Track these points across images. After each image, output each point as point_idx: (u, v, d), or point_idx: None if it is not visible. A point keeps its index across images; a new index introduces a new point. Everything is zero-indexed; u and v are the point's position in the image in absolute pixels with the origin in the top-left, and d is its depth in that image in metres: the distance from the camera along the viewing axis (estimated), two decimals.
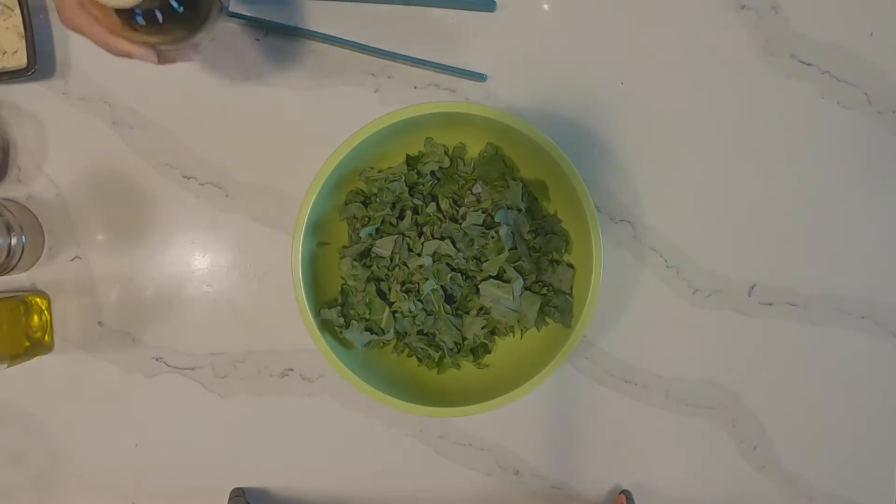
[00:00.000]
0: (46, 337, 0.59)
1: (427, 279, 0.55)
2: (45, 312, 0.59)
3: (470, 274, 0.57)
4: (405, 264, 0.56)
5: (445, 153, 0.57)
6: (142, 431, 0.61)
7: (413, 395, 0.54)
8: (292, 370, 0.61)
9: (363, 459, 0.62)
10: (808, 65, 0.61)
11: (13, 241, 0.55)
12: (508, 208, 0.56)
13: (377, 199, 0.56)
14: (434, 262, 0.56)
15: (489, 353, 0.59)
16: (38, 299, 0.59)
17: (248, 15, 0.58)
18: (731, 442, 0.64)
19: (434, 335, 0.57)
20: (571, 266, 0.57)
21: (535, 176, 0.58)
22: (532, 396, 0.54)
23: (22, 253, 0.57)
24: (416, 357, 0.58)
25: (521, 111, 0.60)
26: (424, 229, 0.57)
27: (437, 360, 0.58)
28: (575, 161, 0.52)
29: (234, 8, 0.58)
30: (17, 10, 0.56)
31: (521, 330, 0.59)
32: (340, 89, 0.60)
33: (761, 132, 0.62)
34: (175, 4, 0.43)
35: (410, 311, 0.56)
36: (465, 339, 0.58)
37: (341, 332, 0.54)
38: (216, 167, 0.60)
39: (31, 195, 0.60)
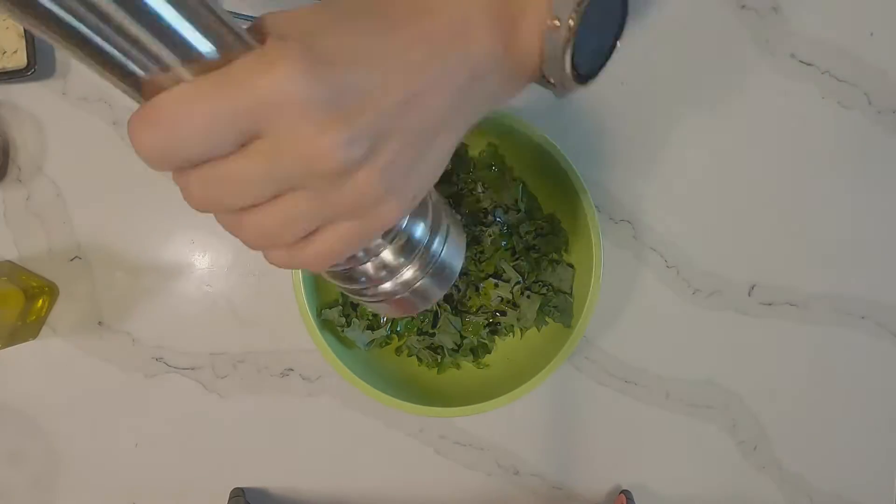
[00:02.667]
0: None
1: None
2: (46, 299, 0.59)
3: (469, 273, 0.57)
4: None
5: None
6: (142, 431, 0.61)
7: (413, 395, 0.54)
8: (292, 370, 0.61)
9: (363, 459, 0.62)
10: (808, 65, 0.61)
11: None
12: (507, 208, 0.56)
13: None
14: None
15: (489, 352, 0.59)
16: (47, 288, 0.59)
17: (249, 15, 0.58)
18: (731, 442, 0.64)
19: (433, 335, 0.57)
20: (571, 266, 0.57)
21: (535, 176, 0.58)
22: (532, 396, 0.54)
23: None
24: (417, 357, 0.58)
25: (521, 111, 0.60)
26: None
27: (437, 360, 0.58)
28: (575, 161, 0.52)
29: (233, 8, 0.58)
30: None
31: (521, 330, 0.59)
32: None
33: (761, 132, 0.62)
34: None
35: None
36: (464, 338, 0.58)
37: (343, 330, 0.54)
38: None
39: (31, 195, 0.60)
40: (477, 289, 0.57)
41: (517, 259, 0.57)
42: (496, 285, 0.55)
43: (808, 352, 0.63)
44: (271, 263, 0.26)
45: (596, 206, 0.53)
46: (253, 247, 0.25)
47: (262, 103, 0.21)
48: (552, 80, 0.29)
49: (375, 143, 0.23)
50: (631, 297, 0.62)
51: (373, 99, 0.23)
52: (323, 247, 0.25)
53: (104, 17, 0.19)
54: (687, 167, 0.62)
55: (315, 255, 0.25)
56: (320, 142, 0.21)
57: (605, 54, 0.30)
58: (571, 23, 0.26)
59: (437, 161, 0.27)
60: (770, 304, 0.63)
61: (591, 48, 0.28)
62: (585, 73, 0.29)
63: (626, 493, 0.62)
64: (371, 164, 0.23)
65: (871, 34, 0.61)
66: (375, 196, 0.24)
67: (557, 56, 0.27)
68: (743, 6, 0.60)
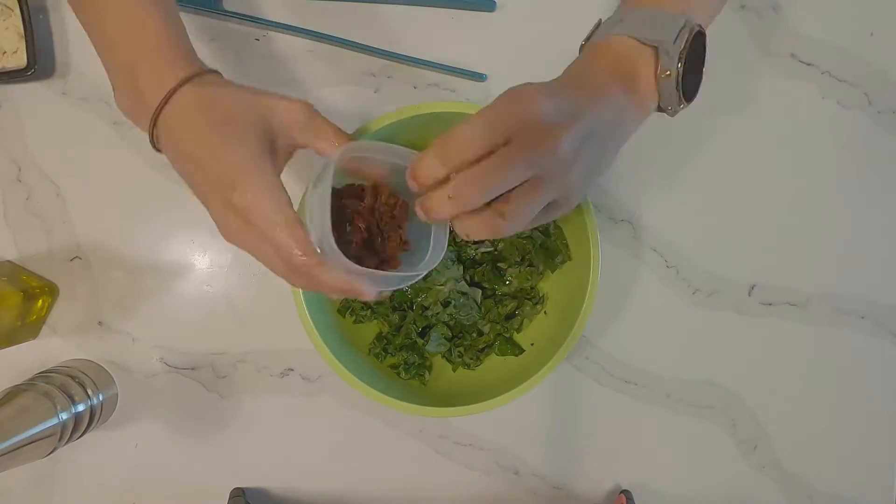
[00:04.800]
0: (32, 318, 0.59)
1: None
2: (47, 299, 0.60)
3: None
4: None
5: None
6: (142, 431, 0.61)
7: (413, 396, 0.54)
8: (292, 370, 0.61)
9: (363, 459, 0.62)
10: (808, 65, 0.61)
11: (94, 401, 0.56)
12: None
13: None
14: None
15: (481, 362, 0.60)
16: (47, 288, 0.59)
17: (248, 15, 0.58)
18: (731, 442, 0.64)
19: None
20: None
21: None
22: (532, 396, 0.54)
23: (102, 410, 0.58)
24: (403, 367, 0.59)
25: None
26: None
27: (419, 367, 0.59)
28: None
29: (234, 8, 0.58)
30: (17, 10, 0.56)
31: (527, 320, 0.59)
32: (340, 89, 0.60)
33: (761, 132, 0.62)
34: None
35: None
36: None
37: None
38: None
39: (31, 195, 0.60)
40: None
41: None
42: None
43: (808, 352, 0.63)
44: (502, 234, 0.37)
45: (596, 206, 0.53)
46: (510, 230, 0.37)
47: (518, 118, 0.35)
48: (668, 109, 0.42)
49: (582, 144, 0.37)
50: (631, 297, 0.62)
51: (578, 117, 0.37)
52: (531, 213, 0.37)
53: None
54: (686, 167, 0.62)
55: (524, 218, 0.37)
56: (558, 137, 0.35)
57: (699, 78, 0.41)
58: (680, 67, 0.39)
59: (604, 165, 0.41)
60: (770, 304, 0.63)
61: (690, 79, 0.40)
62: (690, 95, 0.41)
63: (626, 493, 0.62)
64: (581, 156, 0.37)
65: (871, 34, 0.61)
66: (582, 182, 0.38)
67: (672, 92, 0.40)
68: (743, 6, 0.60)
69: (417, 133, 0.56)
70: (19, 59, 0.56)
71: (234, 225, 0.38)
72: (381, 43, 0.59)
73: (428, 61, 0.59)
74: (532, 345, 0.58)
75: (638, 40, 0.40)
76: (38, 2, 0.58)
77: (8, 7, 0.56)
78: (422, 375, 0.58)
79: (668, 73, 0.39)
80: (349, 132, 0.51)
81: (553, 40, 0.60)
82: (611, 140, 0.40)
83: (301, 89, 0.60)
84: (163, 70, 0.38)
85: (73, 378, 0.56)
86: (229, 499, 0.60)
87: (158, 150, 0.41)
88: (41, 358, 0.60)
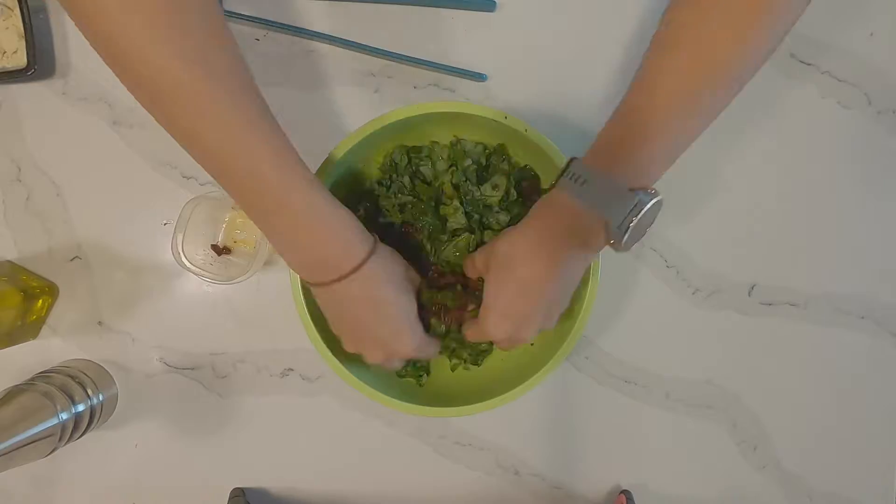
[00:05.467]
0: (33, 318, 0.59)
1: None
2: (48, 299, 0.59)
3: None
4: None
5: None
6: (142, 431, 0.61)
7: (412, 395, 0.54)
8: (292, 370, 0.61)
9: (363, 459, 0.62)
10: (808, 65, 0.61)
11: (94, 401, 0.56)
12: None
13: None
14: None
15: (480, 361, 0.59)
16: (47, 288, 0.59)
17: (248, 15, 0.58)
18: (731, 442, 0.64)
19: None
20: None
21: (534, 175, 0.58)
22: (532, 396, 0.54)
23: (102, 410, 0.58)
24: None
25: (521, 111, 0.60)
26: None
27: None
28: None
29: (234, 8, 0.58)
30: (17, 10, 0.56)
31: None
32: (340, 89, 0.60)
33: (761, 132, 0.62)
34: None
35: None
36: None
37: None
38: None
39: (31, 195, 0.60)
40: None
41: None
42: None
43: (807, 352, 0.63)
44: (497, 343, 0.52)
45: None
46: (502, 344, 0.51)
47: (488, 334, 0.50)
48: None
49: (519, 325, 0.49)
50: (631, 297, 0.62)
51: (525, 316, 0.49)
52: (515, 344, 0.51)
53: None
54: (686, 167, 0.61)
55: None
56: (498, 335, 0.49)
57: (642, 236, 0.45)
58: (624, 240, 0.43)
59: (554, 315, 0.51)
60: (770, 304, 0.63)
61: (635, 238, 0.45)
62: (632, 245, 0.45)
63: (626, 493, 0.62)
64: (518, 335, 0.49)
65: (871, 34, 0.61)
66: (529, 337, 0.50)
67: (618, 250, 0.45)
68: None
69: (418, 133, 0.56)
70: (19, 59, 0.56)
71: (380, 356, 0.50)
72: (381, 43, 0.59)
73: (428, 61, 0.59)
74: (532, 345, 0.58)
75: (593, 212, 0.46)
76: (38, 2, 0.58)
77: (8, 7, 0.56)
78: (421, 375, 0.58)
79: (613, 242, 0.45)
80: (349, 132, 0.51)
81: (552, 40, 0.61)
82: (561, 293, 0.50)
83: (301, 89, 0.60)
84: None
85: (73, 378, 0.56)
86: (229, 499, 0.60)
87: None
88: (41, 358, 0.60)
